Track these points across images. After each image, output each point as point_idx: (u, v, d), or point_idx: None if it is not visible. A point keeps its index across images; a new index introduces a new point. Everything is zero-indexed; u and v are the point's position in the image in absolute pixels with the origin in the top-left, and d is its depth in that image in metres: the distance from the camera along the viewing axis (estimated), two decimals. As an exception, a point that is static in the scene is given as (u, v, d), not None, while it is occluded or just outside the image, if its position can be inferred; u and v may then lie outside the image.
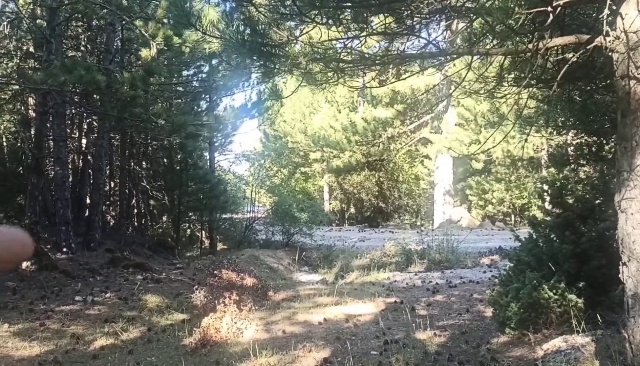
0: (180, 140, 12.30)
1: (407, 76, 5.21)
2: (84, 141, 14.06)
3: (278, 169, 30.21)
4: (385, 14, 4.02)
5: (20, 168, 11.31)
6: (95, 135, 12.86)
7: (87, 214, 12.29)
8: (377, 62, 4.55)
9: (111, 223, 14.38)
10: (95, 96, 9.82)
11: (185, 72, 13.43)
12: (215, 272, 7.38)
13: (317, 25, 3.67)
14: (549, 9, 2.98)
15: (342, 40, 4.15)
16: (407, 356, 4.88)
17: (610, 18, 3.09)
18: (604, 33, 2.99)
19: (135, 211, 15.03)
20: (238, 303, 6.37)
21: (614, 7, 3.05)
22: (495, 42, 4.17)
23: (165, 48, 8.39)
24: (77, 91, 8.90)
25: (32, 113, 11.93)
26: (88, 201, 12.67)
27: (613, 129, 3.70)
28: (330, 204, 26.58)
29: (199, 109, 14.16)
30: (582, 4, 3.60)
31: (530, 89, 4.99)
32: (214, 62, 11.71)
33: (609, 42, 3.01)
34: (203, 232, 15.31)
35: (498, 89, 4.57)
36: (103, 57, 11.54)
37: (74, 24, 12.65)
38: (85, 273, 8.83)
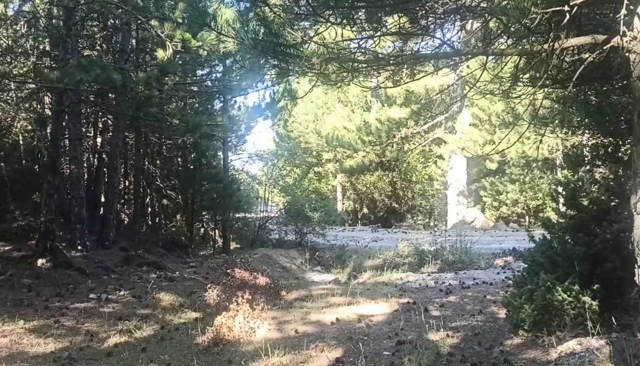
0: (194, 139, 12.37)
1: (422, 76, 5.19)
2: (99, 139, 14.21)
3: (291, 169, 30.28)
4: (400, 14, 4.01)
5: (36, 166, 11.45)
6: (110, 134, 12.98)
7: (101, 212, 12.42)
8: (391, 62, 4.54)
9: (125, 222, 14.50)
10: (110, 95, 9.93)
11: (199, 72, 13.50)
12: (228, 271, 7.41)
13: (331, 26, 3.67)
14: (566, 8, 2.95)
15: (356, 41, 4.15)
16: (420, 357, 4.87)
17: (627, 18, 3.05)
18: (621, 33, 2.96)
19: (149, 209, 15.15)
20: (251, 302, 6.39)
21: (632, 7, 3.01)
22: (510, 42, 4.14)
23: (182, 50, 8.45)
24: (93, 90, 8.99)
25: (48, 112, 12.08)
26: (103, 199, 12.81)
27: (629, 130, 3.66)
28: (343, 204, 26.58)
29: (213, 109, 14.24)
30: (599, 3, 3.56)
31: (546, 89, 4.94)
32: (228, 62, 11.76)
33: (626, 42, 2.97)
34: (216, 231, 15.40)
35: (513, 89, 4.54)
36: (118, 57, 11.63)
37: (90, 24, 12.77)
38: (99, 271, 8.93)
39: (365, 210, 26.89)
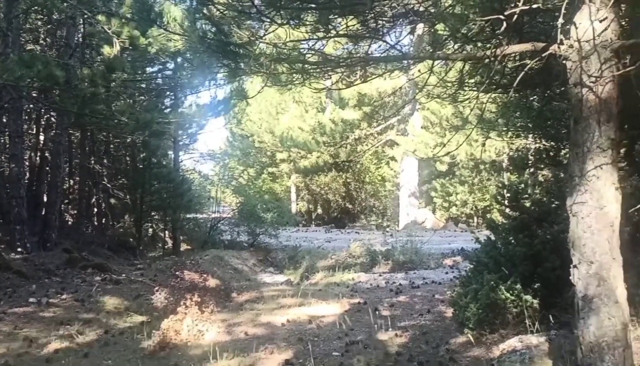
0: (144, 138, 12.07)
1: (373, 78, 5.26)
2: (41, 137, 13.65)
3: (244, 168, 30.02)
4: (349, 17, 4.03)
5: (-26, 165, 10.94)
6: (54, 131, 12.49)
7: (43, 212, 11.94)
8: (341, 64, 4.55)
9: (70, 222, 13.99)
10: (54, 91, 9.56)
11: (149, 69, 13.20)
12: (177, 273, 7.26)
13: (280, 26, 3.65)
14: (502, 17, 3.04)
15: (304, 42, 4.15)
16: (369, 357, 4.92)
17: (568, 27, 3.17)
18: (559, 41, 3.07)
19: (95, 210, 14.67)
20: (200, 304, 6.28)
21: (569, 16, 3.13)
22: (456, 47, 4.23)
23: (129, 47, 8.22)
24: (35, 86, 8.63)
25: (-13, 108, 11.52)
26: (45, 199, 12.32)
27: (569, 134, 3.81)
28: (297, 204, 26.56)
29: (164, 107, 13.93)
30: (537, 12, 3.70)
31: (491, 94, 5.09)
32: (179, 59, 11.54)
33: (563, 50, 3.09)
34: (166, 232, 15.07)
35: (459, 93, 4.65)
36: (63, 52, 11.22)
37: (33, 17, 12.27)
38: (40, 273, 8.57)
39: (319, 211, 26.96)
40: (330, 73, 5.02)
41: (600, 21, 3.01)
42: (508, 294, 4.71)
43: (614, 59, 3.07)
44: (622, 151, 4.84)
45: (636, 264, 4.23)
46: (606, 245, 3.10)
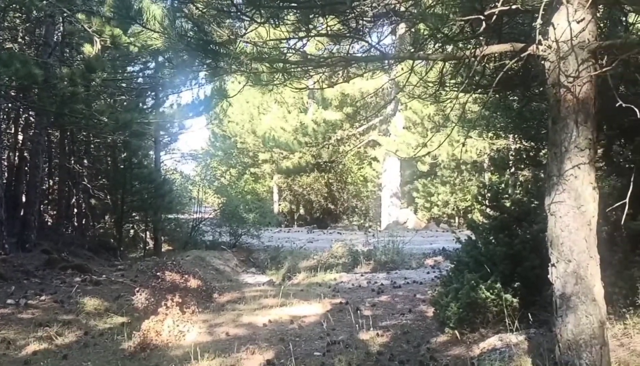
0: (125, 138, 11.92)
1: (355, 78, 5.27)
2: (20, 137, 13.43)
3: (226, 169, 29.88)
4: (330, 17, 4.03)
5: (-50, 165, 10.69)
6: (33, 131, 12.28)
7: (22, 213, 11.74)
8: (322, 63, 4.55)
9: (49, 223, 13.78)
10: (33, 90, 9.39)
11: (130, 68, 13.04)
12: (158, 274, 7.19)
13: (260, 25, 3.64)
14: (482, 17, 3.07)
15: (285, 41, 4.14)
16: (350, 356, 4.92)
17: (546, 27, 3.21)
18: (537, 42, 3.10)
19: (76, 210, 14.47)
20: (181, 305, 6.23)
21: (547, 17, 3.17)
22: (437, 47, 4.26)
23: (110, 45, 8.10)
24: (13, 85, 8.46)
25: (-37, 107, 11.30)
26: (24, 199, 12.11)
27: (548, 134, 3.86)
28: (279, 205, 26.50)
29: (145, 106, 13.76)
30: (517, 13, 3.74)
31: (472, 94, 5.13)
32: (160, 58, 11.40)
33: (542, 50, 3.13)
34: (147, 233, 14.91)
35: (440, 93, 4.68)
36: (42, 50, 11.03)
37: (12, 15, 12.05)
38: (19, 274, 8.43)
39: (301, 211, 26.92)
40: (311, 73, 5.01)
41: (578, 22, 3.05)
42: (488, 294, 4.75)
43: (591, 59, 3.11)
44: (600, 151, 4.92)
45: (614, 263, 4.30)
46: (583, 244, 3.13)
